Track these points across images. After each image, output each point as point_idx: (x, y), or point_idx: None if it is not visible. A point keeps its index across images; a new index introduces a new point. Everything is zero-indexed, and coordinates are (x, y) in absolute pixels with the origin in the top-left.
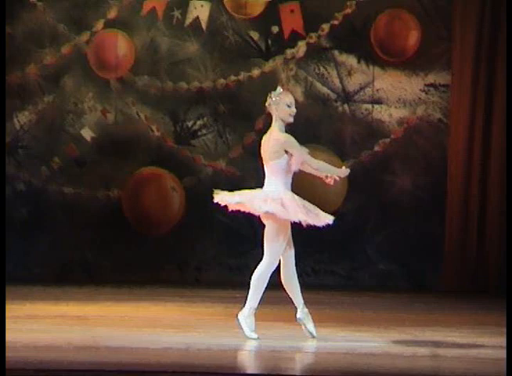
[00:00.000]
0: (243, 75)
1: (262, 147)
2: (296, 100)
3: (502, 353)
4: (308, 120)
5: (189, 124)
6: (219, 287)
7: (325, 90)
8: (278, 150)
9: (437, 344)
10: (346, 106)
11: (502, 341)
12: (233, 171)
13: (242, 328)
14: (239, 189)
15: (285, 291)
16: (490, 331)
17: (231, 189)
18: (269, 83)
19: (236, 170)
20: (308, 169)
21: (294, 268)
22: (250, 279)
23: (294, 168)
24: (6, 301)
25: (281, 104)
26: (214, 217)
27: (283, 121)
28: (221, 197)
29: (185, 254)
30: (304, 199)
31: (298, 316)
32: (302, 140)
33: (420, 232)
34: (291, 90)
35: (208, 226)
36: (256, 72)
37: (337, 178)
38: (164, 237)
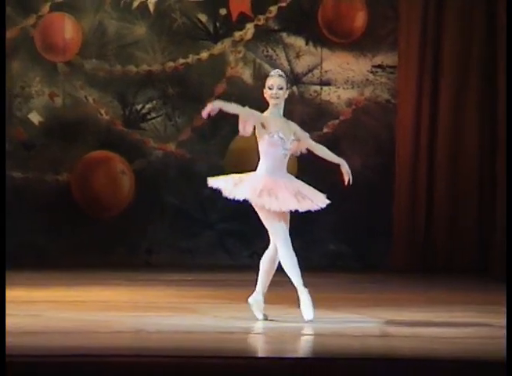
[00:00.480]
0: (191, 58)
1: None
2: (245, 82)
3: (452, 331)
4: (256, 102)
5: (138, 107)
6: (170, 270)
7: None
8: (256, 132)
9: (387, 323)
10: (295, 87)
11: (451, 319)
12: (183, 153)
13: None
14: (189, 171)
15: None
16: (439, 309)
17: (181, 172)
18: (218, 65)
19: (185, 152)
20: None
21: (276, 255)
22: (201, 260)
23: (246, 130)
24: None
25: (265, 87)
26: (164, 199)
27: (270, 103)
28: (217, 182)
29: (135, 237)
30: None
31: (250, 300)
32: None
33: (370, 212)
34: (240, 72)
35: (159, 209)
36: (205, 54)
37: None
38: (114, 221)
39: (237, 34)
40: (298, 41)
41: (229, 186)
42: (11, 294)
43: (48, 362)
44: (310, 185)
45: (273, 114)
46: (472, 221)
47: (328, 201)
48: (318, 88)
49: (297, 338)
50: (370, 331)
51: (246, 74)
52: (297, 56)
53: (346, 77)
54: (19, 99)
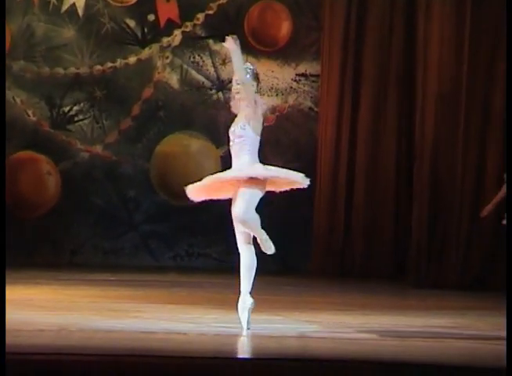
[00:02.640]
0: (119, 62)
1: None
2: (172, 87)
3: (365, 334)
4: (183, 107)
5: (66, 109)
6: (94, 270)
7: (200, 78)
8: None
9: (305, 324)
10: (220, 93)
11: (365, 322)
12: (109, 155)
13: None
14: (115, 173)
15: None
16: (354, 313)
17: (106, 173)
18: (145, 70)
19: (111, 154)
20: None
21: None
22: (124, 261)
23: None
24: None
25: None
26: (89, 200)
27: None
28: (192, 188)
29: (60, 237)
30: (176, 183)
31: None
32: (178, 126)
33: (290, 216)
34: (167, 77)
35: (83, 210)
36: (132, 59)
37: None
38: (39, 221)
39: (165, 40)
40: (224, 48)
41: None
42: None
43: None
44: None
45: None
46: (389, 227)
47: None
48: None
49: (216, 339)
50: (288, 332)
51: (174, 79)
52: (223, 63)
53: (270, 84)
54: None
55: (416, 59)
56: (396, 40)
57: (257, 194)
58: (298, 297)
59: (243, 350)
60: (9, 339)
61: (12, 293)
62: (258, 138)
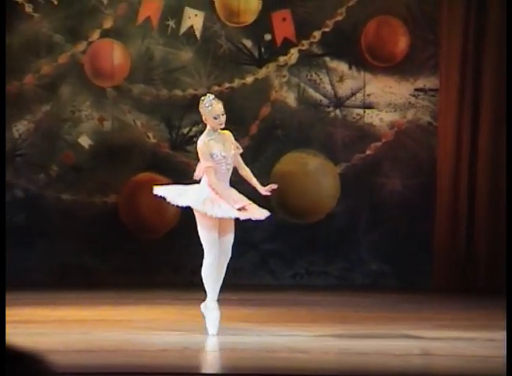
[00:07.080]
0: (236, 82)
1: None
2: (289, 106)
3: (491, 351)
4: (300, 125)
5: (185, 130)
6: None
7: (317, 96)
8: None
9: (428, 342)
10: (338, 111)
11: (491, 338)
12: None
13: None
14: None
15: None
16: (478, 329)
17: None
18: (263, 89)
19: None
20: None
21: (225, 257)
22: (244, 280)
23: (198, 173)
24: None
25: (210, 116)
26: None
27: (212, 128)
28: (161, 191)
29: (180, 257)
30: (295, 201)
31: (202, 306)
32: (295, 145)
33: (410, 232)
34: (284, 96)
35: None
36: (249, 79)
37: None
38: (160, 241)
39: (281, 59)
40: (341, 66)
41: (173, 194)
42: (59, 313)
43: None
44: (352, 206)
45: (214, 136)
46: None
47: (268, 213)
48: (361, 111)
49: (339, 357)
50: (411, 350)
51: (291, 98)
52: (341, 80)
53: (388, 100)
54: (69, 123)
55: None
56: None
57: None
58: (420, 313)
59: (367, 368)
60: (133, 359)
61: (134, 313)
62: None
